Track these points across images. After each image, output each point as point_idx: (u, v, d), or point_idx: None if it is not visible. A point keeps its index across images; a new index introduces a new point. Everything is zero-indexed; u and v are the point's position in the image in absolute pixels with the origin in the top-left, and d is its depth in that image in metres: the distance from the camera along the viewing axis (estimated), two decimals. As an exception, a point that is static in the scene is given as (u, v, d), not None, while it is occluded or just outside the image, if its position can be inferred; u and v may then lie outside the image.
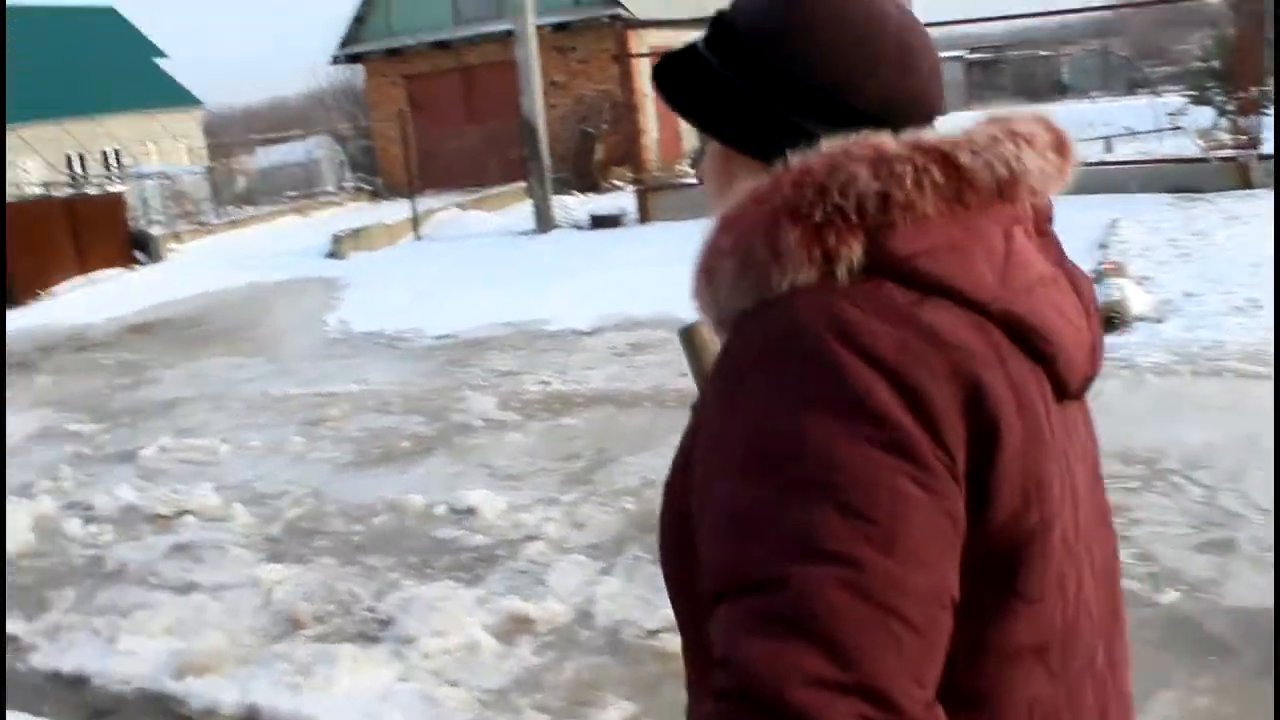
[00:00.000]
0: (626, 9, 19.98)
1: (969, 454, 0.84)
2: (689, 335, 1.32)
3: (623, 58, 14.40)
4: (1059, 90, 40.14)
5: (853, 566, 0.77)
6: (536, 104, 14.49)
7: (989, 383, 0.84)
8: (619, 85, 20.42)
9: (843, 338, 0.83)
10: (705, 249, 0.94)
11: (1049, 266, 0.96)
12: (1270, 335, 6.50)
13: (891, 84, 0.95)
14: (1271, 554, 3.97)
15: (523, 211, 16.14)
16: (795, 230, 0.87)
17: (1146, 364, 6.37)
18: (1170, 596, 3.84)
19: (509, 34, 20.92)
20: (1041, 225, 1.00)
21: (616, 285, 10.30)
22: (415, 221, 15.54)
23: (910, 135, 0.91)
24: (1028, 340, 0.89)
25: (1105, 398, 5.95)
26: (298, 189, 25.07)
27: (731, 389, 0.87)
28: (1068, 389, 0.94)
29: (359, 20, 23.04)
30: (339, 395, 7.89)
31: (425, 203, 16.28)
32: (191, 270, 15.57)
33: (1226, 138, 15.31)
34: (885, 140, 0.90)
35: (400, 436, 6.70)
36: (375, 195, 22.63)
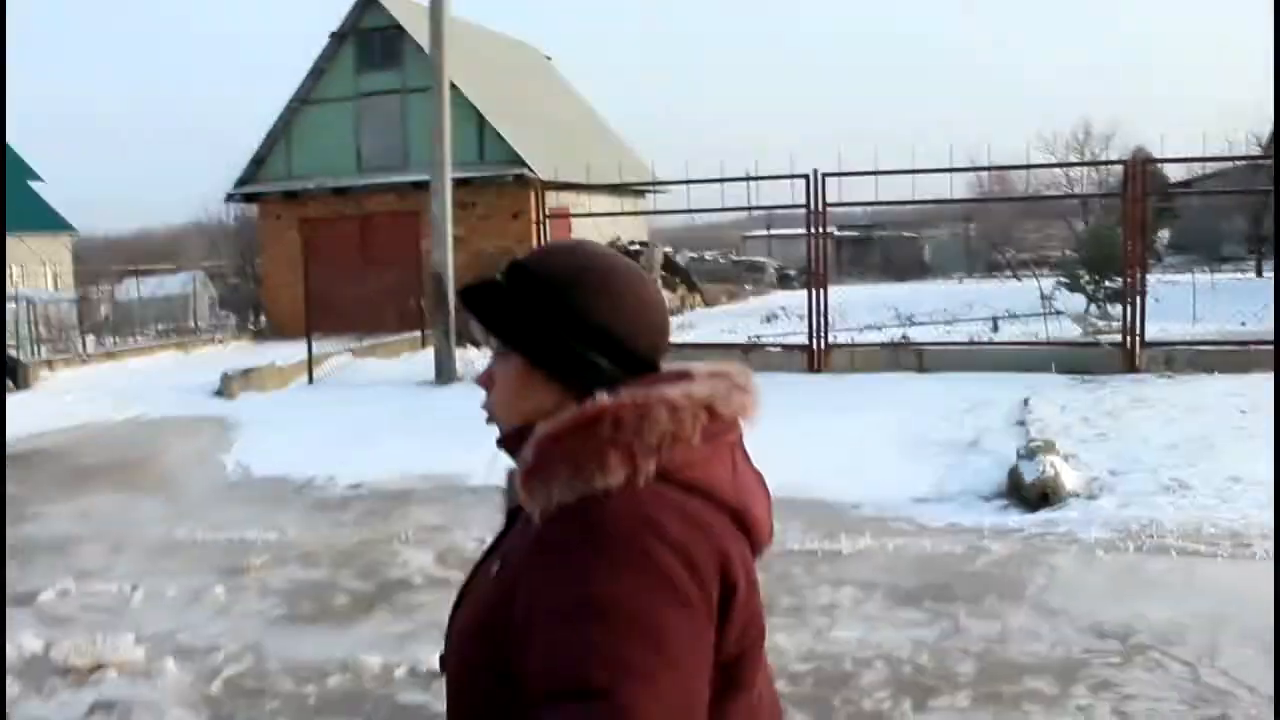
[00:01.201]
0: (531, 169, 20.32)
1: (720, 600, 1.24)
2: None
3: (543, 217, 14.45)
4: (922, 269, 42.19)
5: (655, 684, 1.14)
6: (447, 256, 14.41)
7: (731, 553, 1.27)
8: (517, 243, 20.70)
9: (650, 529, 1.21)
10: (537, 456, 1.27)
11: (752, 472, 1.41)
12: (1203, 515, 6.75)
13: (652, 340, 1.38)
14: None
15: (418, 361, 15.87)
16: (616, 455, 1.24)
17: (1091, 540, 6.49)
18: (1189, 779, 3.80)
19: (410, 185, 21.13)
20: (742, 445, 1.43)
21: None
22: (310, 365, 15.11)
23: (684, 387, 1.31)
24: (743, 525, 1.33)
25: (1062, 572, 6.03)
26: (166, 322, 24.39)
27: (561, 562, 1.21)
28: (759, 551, 1.38)
29: (258, 161, 22.82)
30: (255, 543, 7.42)
31: (317, 346, 15.85)
32: (65, 400, 14.71)
33: (1100, 323, 16.29)
34: (673, 394, 1.29)
35: (334, 591, 6.30)
36: (259, 335, 22.04)
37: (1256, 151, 27.81)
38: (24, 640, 5.55)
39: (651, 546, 1.19)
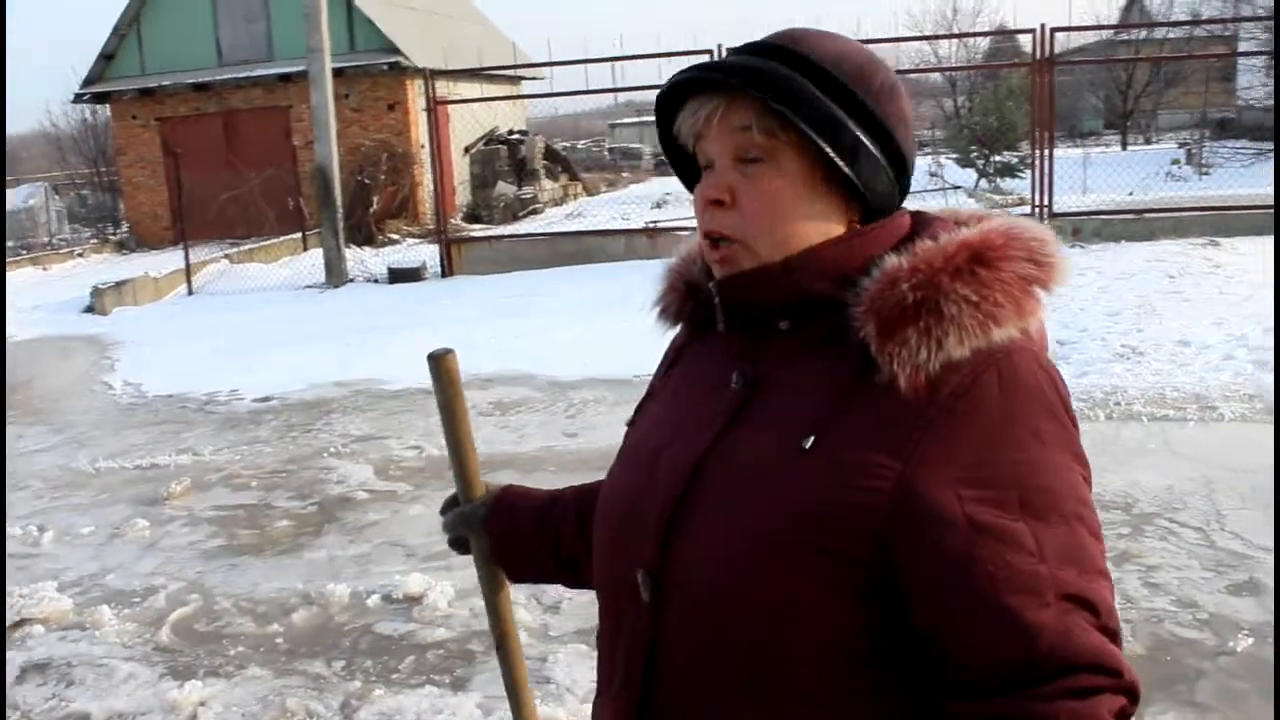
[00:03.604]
0: (406, 57, 19.19)
1: None
2: (443, 362, 1.36)
3: (433, 106, 13.51)
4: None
5: (1108, 578, 0.99)
6: (332, 150, 13.49)
7: None
8: (396, 135, 19.68)
9: (1058, 393, 1.01)
10: (929, 295, 0.98)
11: None
12: (1162, 380, 6.68)
13: (909, 176, 1.10)
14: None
15: (303, 264, 15.00)
16: (1036, 297, 1.00)
17: (1059, 410, 6.35)
18: (1244, 643, 3.65)
19: (276, 78, 19.81)
20: None
21: (448, 341, 9.57)
22: (188, 273, 14.13)
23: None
24: None
25: (1041, 445, 5.86)
26: (11, 239, 22.72)
27: (990, 439, 0.96)
28: None
29: (108, 57, 20.99)
30: (168, 468, 6.79)
31: (190, 254, 14.81)
32: (-86, 329, 13.50)
33: (995, 197, 16.36)
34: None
35: (272, 515, 5.76)
36: (121, 246, 20.63)
37: (1115, 20, 28.23)
38: (-76, 596, 4.90)
39: (1063, 416, 1.01)
